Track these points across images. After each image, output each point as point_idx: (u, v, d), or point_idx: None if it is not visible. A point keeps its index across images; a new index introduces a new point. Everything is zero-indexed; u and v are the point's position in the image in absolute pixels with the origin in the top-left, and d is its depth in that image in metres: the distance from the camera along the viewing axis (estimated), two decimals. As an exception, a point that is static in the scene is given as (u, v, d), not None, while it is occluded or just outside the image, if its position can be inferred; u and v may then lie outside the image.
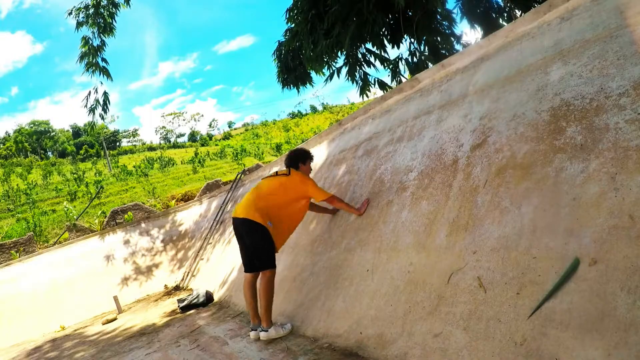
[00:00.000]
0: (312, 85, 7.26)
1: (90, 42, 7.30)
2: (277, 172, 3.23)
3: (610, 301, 1.31)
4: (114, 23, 7.40)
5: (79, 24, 7.18)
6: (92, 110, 7.46)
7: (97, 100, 7.47)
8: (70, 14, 7.22)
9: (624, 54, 1.76)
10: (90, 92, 7.49)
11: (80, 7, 7.22)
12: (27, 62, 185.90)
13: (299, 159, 3.26)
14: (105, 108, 7.56)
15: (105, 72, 7.41)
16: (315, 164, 4.17)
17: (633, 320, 1.23)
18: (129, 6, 7.48)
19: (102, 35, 7.32)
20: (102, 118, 7.65)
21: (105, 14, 7.27)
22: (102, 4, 7.26)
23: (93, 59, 7.28)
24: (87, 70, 7.23)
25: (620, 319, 1.26)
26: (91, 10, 7.20)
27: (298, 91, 7.22)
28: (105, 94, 7.55)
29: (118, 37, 7.55)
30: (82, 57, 7.26)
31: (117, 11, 7.43)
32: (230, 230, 6.75)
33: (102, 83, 7.57)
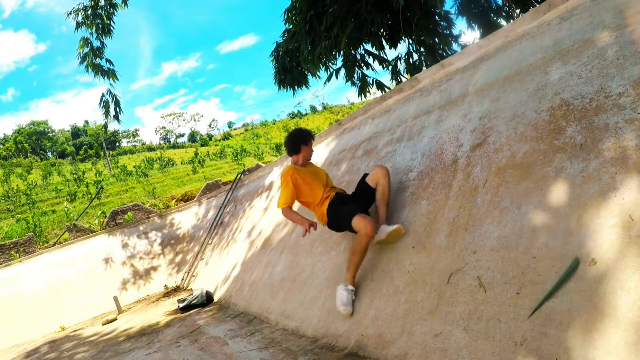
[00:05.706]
0: (308, 88, 7.25)
1: (90, 43, 7.34)
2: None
3: (610, 301, 1.31)
4: (112, 24, 7.43)
5: (78, 25, 7.23)
6: (106, 111, 7.58)
7: (106, 102, 7.58)
8: (69, 14, 7.27)
9: (624, 54, 1.76)
10: (103, 93, 7.61)
11: (79, 9, 7.26)
12: (30, 62, 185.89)
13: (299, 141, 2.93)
14: (117, 109, 7.66)
15: (107, 73, 7.44)
16: (316, 163, 4.14)
17: (633, 320, 1.23)
18: (127, 7, 7.50)
19: (100, 37, 7.36)
20: (117, 119, 7.73)
21: (103, 14, 7.29)
22: (100, 4, 7.28)
23: (95, 60, 7.33)
24: (89, 71, 7.28)
25: (620, 319, 1.26)
26: (89, 11, 7.23)
27: (294, 92, 7.20)
28: (114, 96, 7.64)
29: (119, 37, 7.67)
30: (83, 59, 7.30)
31: (115, 12, 7.45)
32: (230, 230, 6.75)
33: (111, 84, 7.62)
